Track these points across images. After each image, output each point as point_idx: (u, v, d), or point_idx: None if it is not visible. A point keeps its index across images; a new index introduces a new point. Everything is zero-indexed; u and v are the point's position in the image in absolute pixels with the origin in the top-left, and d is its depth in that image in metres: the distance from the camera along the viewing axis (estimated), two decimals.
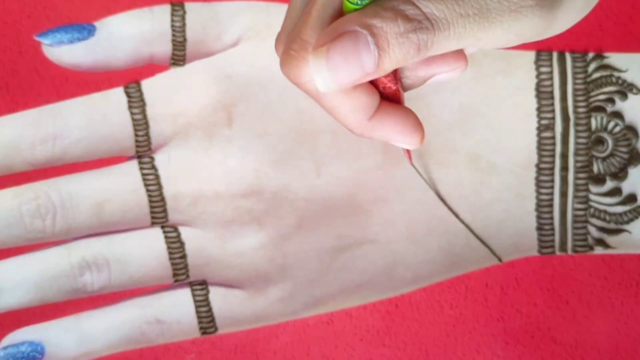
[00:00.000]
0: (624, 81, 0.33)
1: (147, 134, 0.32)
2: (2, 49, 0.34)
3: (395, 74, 0.23)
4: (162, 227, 0.32)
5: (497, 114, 0.33)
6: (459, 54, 0.23)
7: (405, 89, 0.24)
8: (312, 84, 0.21)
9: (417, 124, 0.24)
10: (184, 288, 0.33)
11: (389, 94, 0.23)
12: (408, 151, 0.25)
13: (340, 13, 0.21)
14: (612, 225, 0.33)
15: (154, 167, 0.32)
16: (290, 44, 0.22)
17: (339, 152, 0.33)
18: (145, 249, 0.32)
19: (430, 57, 0.22)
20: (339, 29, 0.20)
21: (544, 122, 0.33)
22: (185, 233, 0.32)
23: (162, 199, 0.32)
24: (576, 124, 0.33)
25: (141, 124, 0.32)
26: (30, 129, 0.32)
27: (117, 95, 0.32)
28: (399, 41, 0.20)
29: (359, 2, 0.20)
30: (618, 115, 0.33)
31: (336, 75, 0.20)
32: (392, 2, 0.20)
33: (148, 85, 0.32)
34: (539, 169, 0.33)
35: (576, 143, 0.33)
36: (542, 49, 0.33)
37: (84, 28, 0.32)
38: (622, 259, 0.34)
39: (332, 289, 0.33)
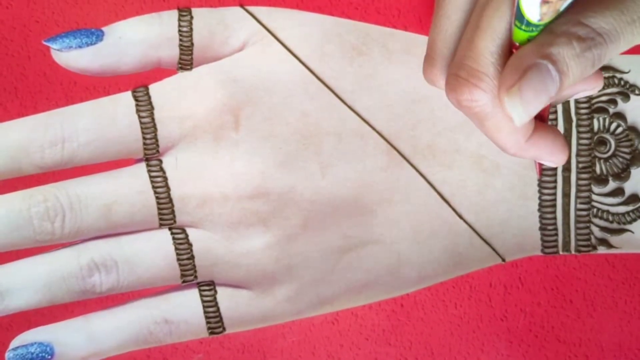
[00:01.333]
0: (626, 82, 0.33)
1: (155, 137, 0.32)
2: (11, 53, 0.34)
3: None
4: (170, 228, 0.33)
5: None
6: (598, 73, 0.25)
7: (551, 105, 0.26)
8: (479, 107, 0.23)
9: (564, 144, 0.25)
10: (192, 288, 0.33)
11: (539, 114, 0.24)
12: (540, 165, 0.26)
13: (506, 41, 0.22)
14: (614, 225, 0.33)
15: (161, 170, 0.32)
16: (457, 70, 0.23)
17: (344, 154, 0.33)
18: (154, 251, 0.32)
19: None
20: (522, 64, 0.21)
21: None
22: (193, 234, 0.33)
23: (170, 201, 0.32)
24: (578, 125, 0.33)
25: (149, 127, 0.32)
26: (39, 132, 0.32)
27: (125, 99, 0.32)
28: (577, 62, 0.21)
29: (532, 29, 0.21)
30: (620, 116, 0.33)
31: (529, 109, 0.21)
32: (563, 26, 0.21)
33: (156, 89, 0.32)
34: (542, 170, 0.33)
35: (578, 144, 0.33)
36: None
37: (92, 33, 0.32)
38: (625, 259, 0.34)
39: (337, 289, 0.33)
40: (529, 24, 0.21)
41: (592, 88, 0.25)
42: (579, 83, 0.24)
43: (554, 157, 0.25)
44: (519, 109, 0.21)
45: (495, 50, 0.22)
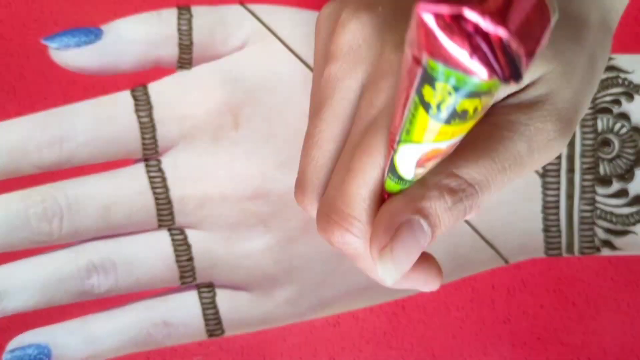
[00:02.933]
0: (630, 82, 0.33)
1: (154, 137, 0.32)
2: (9, 52, 0.34)
3: None
4: (169, 229, 0.33)
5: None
6: (438, 275, 0.25)
7: None
8: (351, 250, 0.23)
9: (438, 272, 0.25)
10: (191, 290, 0.33)
11: None
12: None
13: (378, 186, 0.22)
14: (618, 227, 0.33)
15: (160, 170, 0.32)
16: (328, 210, 0.23)
17: None
18: (152, 252, 0.32)
19: None
20: (393, 221, 0.21)
21: None
22: (192, 235, 0.32)
23: (169, 202, 0.32)
24: (582, 126, 0.33)
25: (148, 127, 0.32)
26: (37, 132, 0.32)
27: (124, 98, 0.32)
28: (449, 214, 0.21)
29: (405, 183, 0.21)
30: (624, 116, 0.33)
31: (401, 267, 0.21)
32: (435, 177, 0.21)
33: (155, 89, 0.32)
34: (545, 171, 0.33)
35: (582, 145, 0.33)
36: None
37: (90, 32, 0.32)
38: (628, 261, 0.34)
39: (338, 291, 0.33)
40: (401, 179, 0.21)
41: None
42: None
43: (428, 286, 0.25)
44: (391, 270, 0.21)
45: (367, 195, 0.22)
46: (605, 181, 0.33)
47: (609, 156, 0.33)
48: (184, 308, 0.32)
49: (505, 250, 0.33)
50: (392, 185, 0.21)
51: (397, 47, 0.21)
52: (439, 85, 0.15)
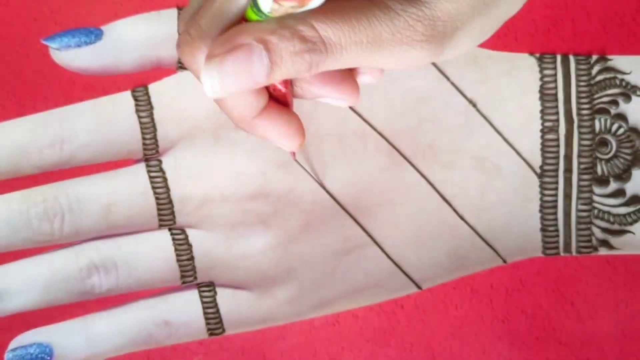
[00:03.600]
0: (628, 83, 0.33)
1: (154, 137, 0.32)
2: (9, 52, 0.34)
3: (287, 80, 0.23)
4: (170, 229, 0.33)
5: (502, 116, 0.33)
6: (353, 86, 0.25)
7: (296, 97, 0.25)
8: (196, 67, 0.22)
9: (299, 130, 0.25)
10: (192, 290, 0.33)
11: (277, 96, 0.24)
12: (292, 152, 0.26)
13: (242, 11, 0.22)
14: (616, 227, 0.33)
15: (161, 170, 0.32)
16: (188, 27, 0.22)
17: (345, 155, 0.33)
18: (153, 251, 0.32)
19: (325, 77, 0.24)
20: (234, 40, 0.21)
21: (547, 124, 0.33)
22: (193, 235, 0.33)
23: (170, 202, 0.32)
24: (580, 126, 0.33)
25: (148, 127, 0.32)
26: (37, 132, 0.32)
27: (124, 99, 0.32)
28: (292, 59, 0.21)
29: (262, 16, 0.21)
30: (622, 117, 0.33)
31: (224, 83, 0.21)
32: (292, 21, 0.21)
33: (155, 89, 0.32)
34: (543, 171, 0.33)
35: (580, 145, 0.33)
36: (546, 52, 0.33)
37: (91, 32, 0.31)
38: (626, 260, 0.34)
39: (338, 291, 0.33)
40: (259, 10, 0.21)
41: (342, 97, 0.25)
42: (331, 86, 0.24)
43: (283, 140, 0.24)
44: (214, 81, 0.21)
45: (223, 13, 0.22)
46: (603, 181, 0.33)
47: (607, 156, 0.33)
48: (185, 307, 0.33)
49: (503, 250, 0.34)
50: (252, 15, 0.21)
51: None
52: None
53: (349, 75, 0.25)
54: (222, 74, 0.21)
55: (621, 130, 0.33)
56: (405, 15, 0.21)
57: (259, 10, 0.21)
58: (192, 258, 0.33)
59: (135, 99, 0.32)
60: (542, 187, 0.33)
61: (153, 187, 0.32)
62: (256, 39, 0.21)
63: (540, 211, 0.33)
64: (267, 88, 0.24)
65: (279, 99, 0.24)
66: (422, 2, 0.22)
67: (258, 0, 0.21)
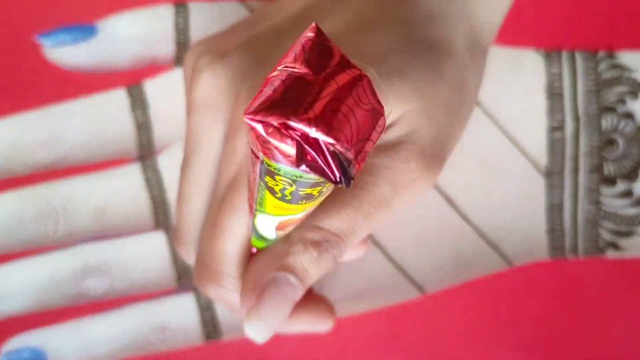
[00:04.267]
0: (635, 81, 0.33)
1: (149, 136, 0.32)
2: (3, 49, 0.34)
3: None
4: (165, 230, 0.32)
5: (507, 114, 0.33)
6: (364, 242, 0.27)
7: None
8: (227, 302, 0.24)
9: (329, 310, 0.26)
10: (188, 293, 0.32)
11: None
12: None
13: (245, 241, 0.22)
14: (623, 228, 0.33)
15: (156, 170, 0.32)
16: (201, 267, 0.23)
17: None
18: (149, 253, 0.32)
19: (298, 311, 0.25)
20: (259, 281, 0.22)
21: (554, 123, 0.33)
22: None
23: (165, 202, 0.32)
24: (586, 125, 0.33)
25: (144, 126, 0.32)
26: (31, 131, 0.31)
27: (119, 97, 0.32)
28: (316, 265, 0.21)
29: (269, 242, 0.21)
30: (629, 115, 0.33)
31: (270, 325, 0.22)
32: (298, 233, 0.21)
33: (151, 87, 0.32)
34: (549, 171, 0.33)
35: (586, 144, 0.33)
36: (552, 49, 0.33)
37: (85, 29, 0.31)
38: (634, 263, 0.34)
39: (339, 295, 0.33)
40: (265, 239, 0.21)
41: (323, 324, 0.26)
42: (308, 318, 0.25)
43: (319, 326, 0.26)
44: (259, 329, 0.22)
45: (235, 251, 0.22)
46: (610, 181, 0.33)
47: (614, 156, 0.33)
48: (181, 311, 0.32)
49: (509, 252, 0.33)
50: (257, 242, 0.22)
51: (250, 98, 0.21)
52: (279, 178, 0.16)
53: (319, 300, 0.26)
54: (263, 319, 0.22)
55: (628, 129, 0.33)
56: (395, 165, 0.21)
57: (263, 238, 0.21)
58: None
59: (130, 96, 0.32)
60: (548, 187, 0.33)
61: (148, 188, 0.32)
62: (277, 269, 0.21)
63: (547, 212, 0.33)
64: None
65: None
66: (404, 142, 0.22)
67: (261, 232, 0.21)
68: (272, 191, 0.17)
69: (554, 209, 0.33)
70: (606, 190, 0.33)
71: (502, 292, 0.34)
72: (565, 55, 0.33)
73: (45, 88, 0.33)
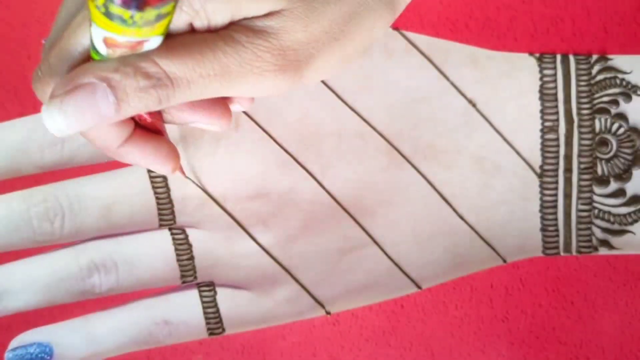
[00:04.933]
0: (628, 83, 0.33)
1: None
2: (11, 53, 0.34)
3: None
4: (170, 229, 0.33)
5: (502, 116, 0.33)
6: (225, 111, 0.25)
7: (167, 122, 0.25)
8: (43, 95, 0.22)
9: (170, 155, 0.25)
10: (192, 289, 0.33)
11: (146, 125, 0.24)
12: (180, 169, 0.26)
13: (87, 50, 0.22)
14: (616, 226, 0.33)
15: None
16: (42, 62, 0.23)
17: (344, 155, 0.33)
18: (153, 251, 0.32)
19: (194, 104, 0.24)
20: (74, 81, 0.21)
21: (547, 124, 0.33)
22: (193, 235, 0.33)
23: (170, 202, 0.32)
24: (580, 126, 0.33)
25: None
26: (38, 132, 0.32)
27: None
28: (138, 95, 0.21)
29: (103, 56, 0.21)
30: (622, 117, 0.33)
31: (68, 122, 0.21)
32: (134, 58, 0.21)
33: None
34: (543, 171, 0.33)
35: (580, 145, 0.33)
36: (546, 52, 0.33)
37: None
38: (626, 260, 0.34)
39: (337, 290, 0.33)
40: (99, 52, 0.21)
41: (213, 122, 0.25)
42: (201, 112, 0.24)
43: (156, 165, 0.25)
44: (56, 120, 0.21)
45: (74, 51, 0.22)
46: (603, 181, 0.33)
47: (607, 156, 0.33)
48: (185, 307, 0.33)
49: (503, 249, 0.34)
50: (95, 56, 0.22)
51: None
52: None
53: (220, 101, 0.25)
54: (63, 113, 0.21)
55: (621, 130, 0.33)
56: (251, 47, 0.22)
57: (97, 52, 0.21)
58: (192, 258, 0.33)
59: None
60: (542, 186, 0.33)
61: (153, 187, 0.32)
62: (97, 77, 0.21)
63: (540, 211, 0.33)
64: (132, 118, 0.24)
65: (148, 127, 0.25)
66: (270, 34, 0.22)
67: (96, 44, 0.21)
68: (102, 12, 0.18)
69: (548, 208, 0.33)
70: (599, 190, 0.33)
71: (497, 287, 0.34)
72: (559, 58, 0.33)
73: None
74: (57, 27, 0.23)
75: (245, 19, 0.22)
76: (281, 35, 0.22)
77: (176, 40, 0.21)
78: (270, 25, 0.22)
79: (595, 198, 0.33)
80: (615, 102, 0.33)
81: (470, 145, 0.33)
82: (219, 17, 0.22)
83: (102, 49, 0.21)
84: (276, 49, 0.22)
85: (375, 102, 0.33)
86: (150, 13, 0.19)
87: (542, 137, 0.33)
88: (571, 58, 0.33)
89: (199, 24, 0.21)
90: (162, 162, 0.25)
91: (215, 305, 0.33)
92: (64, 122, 0.21)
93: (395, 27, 0.33)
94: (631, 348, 0.34)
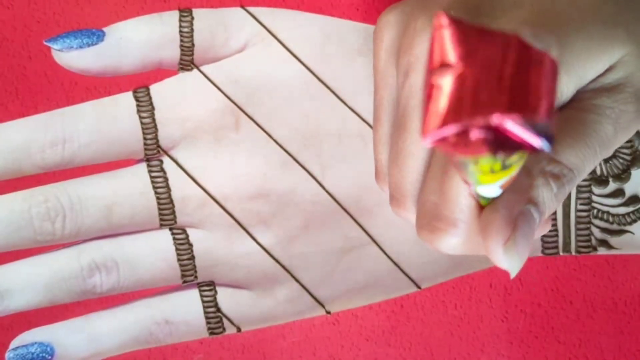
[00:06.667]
0: None
1: (155, 138, 0.32)
2: (12, 53, 0.34)
3: None
4: (171, 229, 0.33)
5: None
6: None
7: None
8: (453, 250, 0.24)
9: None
10: (192, 289, 0.33)
11: None
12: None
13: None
14: (615, 227, 0.33)
15: (162, 170, 0.32)
16: (433, 220, 0.23)
17: (345, 155, 0.33)
18: (154, 251, 0.32)
19: None
20: (511, 214, 0.21)
21: None
22: (194, 235, 0.33)
23: (171, 202, 0.32)
24: None
25: (150, 128, 0.32)
26: (40, 132, 0.32)
27: (126, 100, 0.32)
28: (554, 200, 0.21)
29: (494, 195, 0.21)
30: None
31: (523, 257, 0.22)
32: (537, 165, 0.21)
33: (157, 90, 0.32)
34: None
35: None
36: None
37: (93, 33, 0.32)
38: (625, 260, 0.34)
39: (337, 290, 0.33)
40: (491, 198, 0.21)
41: (545, 228, 0.25)
42: None
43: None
44: (516, 261, 0.21)
45: (467, 199, 0.22)
46: (602, 181, 0.33)
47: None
48: (186, 306, 0.33)
49: None
50: (484, 201, 0.22)
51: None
52: (485, 166, 0.16)
53: None
54: (519, 251, 0.21)
55: None
56: (616, 105, 0.22)
57: (489, 199, 0.21)
58: (192, 257, 0.33)
59: (137, 99, 0.32)
60: None
61: (154, 187, 0.32)
62: (525, 203, 0.21)
63: None
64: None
65: None
66: (624, 85, 0.22)
67: (486, 195, 0.21)
68: (483, 172, 0.17)
69: None
70: (598, 190, 0.33)
71: (496, 287, 0.34)
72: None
73: (54, 91, 0.34)
74: (414, 175, 0.24)
75: (589, 83, 0.22)
76: (631, 82, 0.22)
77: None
78: (620, 77, 0.22)
79: (594, 198, 0.33)
80: None
81: None
82: (565, 93, 0.22)
83: (497, 193, 0.21)
84: (633, 96, 0.22)
85: None
86: None
87: None
88: None
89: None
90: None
91: (216, 305, 0.33)
92: (520, 259, 0.21)
93: None
94: (630, 348, 0.34)
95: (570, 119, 0.22)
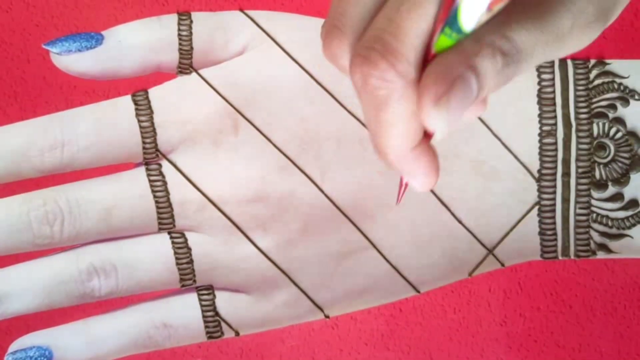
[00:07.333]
0: (626, 87, 0.33)
1: (154, 141, 0.32)
2: (11, 57, 0.34)
3: None
4: (169, 232, 0.33)
5: (500, 120, 0.33)
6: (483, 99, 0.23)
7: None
8: (386, 91, 0.21)
9: (437, 169, 0.24)
10: (191, 293, 0.33)
11: (428, 131, 0.23)
12: (404, 188, 0.25)
13: (428, 36, 0.21)
14: (614, 231, 0.33)
15: (161, 174, 0.32)
16: (372, 42, 0.21)
17: (343, 159, 0.33)
18: (153, 255, 0.32)
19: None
20: (450, 73, 0.20)
21: (545, 128, 0.33)
22: (192, 238, 0.33)
23: (169, 205, 0.32)
24: (578, 130, 0.33)
25: (149, 131, 0.32)
26: (38, 136, 0.32)
27: (124, 103, 0.32)
28: (497, 77, 0.20)
29: (460, 37, 0.20)
30: (620, 121, 0.33)
31: (452, 122, 0.20)
32: (489, 36, 0.20)
33: (155, 93, 0.32)
34: (541, 175, 0.33)
35: (578, 149, 0.33)
36: None
37: (92, 37, 0.32)
38: (624, 264, 0.34)
39: (336, 294, 0.33)
40: (460, 31, 0.20)
41: (475, 113, 0.24)
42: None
43: (426, 178, 0.23)
44: (444, 121, 0.20)
45: (419, 38, 0.20)
46: (601, 185, 0.33)
47: (605, 160, 0.33)
48: (184, 310, 0.33)
49: (501, 253, 0.34)
50: (445, 41, 0.20)
51: None
52: None
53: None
54: (450, 112, 0.20)
55: (619, 134, 0.33)
56: (578, 2, 0.21)
57: (459, 32, 0.20)
58: (191, 261, 0.33)
59: (136, 103, 0.32)
60: (540, 190, 0.33)
61: (153, 191, 0.32)
62: (467, 67, 0.20)
63: (539, 215, 0.33)
64: None
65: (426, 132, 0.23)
66: None
67: (461, 20, 0.19)
68: None
69: (546, 212, 0.33)
70: (597, 194, 0.33)
71: (495, 291, 0.34)
72: (557, 62, 0.33)
73: (52, 94, 0.34)
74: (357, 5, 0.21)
75: None
76: None
77: (514, 5, 0.20)
78: None
79: (594, 202, 0.33)
80: (613, 107, 0.33)
81: (469, 149, 0.33)
82: None
83: (471, 24, 0.19)
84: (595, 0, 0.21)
85: None
86: None
87: (540, 141, 0.33)
88: (569, 62, 0.33)
89: None
90: (433, 175, 0.23)
91: (214, 309, 0.33)
92: (449, 121, 0.20)
93: None
94: (629, 352, 0.34)
95: (533, 2, 0.21)
